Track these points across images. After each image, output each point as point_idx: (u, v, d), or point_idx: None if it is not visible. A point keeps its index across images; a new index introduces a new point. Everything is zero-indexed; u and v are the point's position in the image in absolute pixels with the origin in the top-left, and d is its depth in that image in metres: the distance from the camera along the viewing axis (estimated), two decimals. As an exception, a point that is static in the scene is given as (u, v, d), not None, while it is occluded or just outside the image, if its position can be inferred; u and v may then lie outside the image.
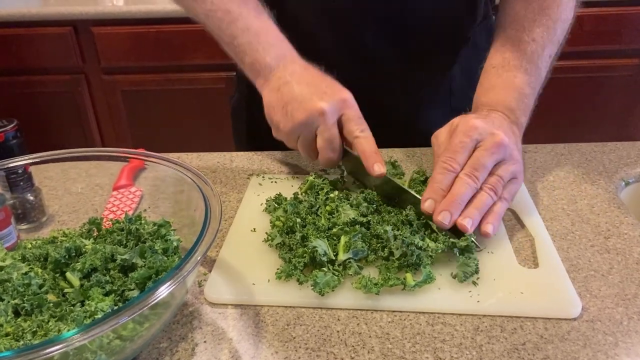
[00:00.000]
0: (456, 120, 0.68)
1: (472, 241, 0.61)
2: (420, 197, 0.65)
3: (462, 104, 0.76)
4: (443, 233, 0.62)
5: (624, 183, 0.79)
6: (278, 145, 0.77)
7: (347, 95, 0.69)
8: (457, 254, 0.59)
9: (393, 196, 0.69)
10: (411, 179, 0.75)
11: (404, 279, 0.56)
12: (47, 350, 0.39)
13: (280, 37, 0.74)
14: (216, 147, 0.95)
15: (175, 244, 0.58)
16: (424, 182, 0.73)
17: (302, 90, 0.68)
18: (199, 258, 0.47)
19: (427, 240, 0.61)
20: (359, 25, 0.84)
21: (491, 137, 0.64)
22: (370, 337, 0.53)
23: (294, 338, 0.53)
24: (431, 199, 0.63)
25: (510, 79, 0.72)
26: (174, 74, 2.02)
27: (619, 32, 1.91)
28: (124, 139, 2.15)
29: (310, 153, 0.72)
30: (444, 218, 0.61)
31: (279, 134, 0.72)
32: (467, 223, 0.61)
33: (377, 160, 0.68)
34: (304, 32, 0.77)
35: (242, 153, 0.90)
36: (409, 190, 0.67)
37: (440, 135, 0.69)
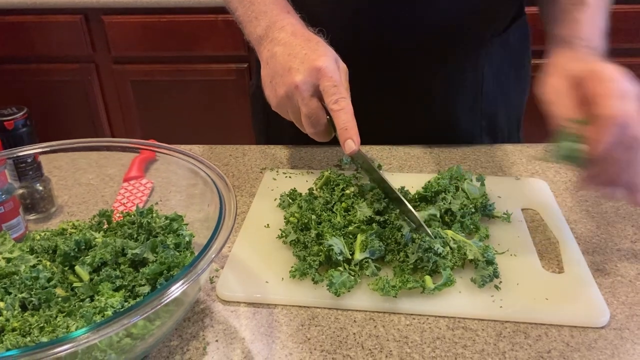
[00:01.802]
0: (560, 69, 0.60)
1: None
2: (411, 208, 0.61)
3: (492, 105, 0.72)
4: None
5: (649, 185, 0.77)
6: (297, 133, 0.75)
7: (322, 62, 0.62)
8: (475, 265, 0.56)
9: (377, 182, 0.65)
10: (417, 192, 0.69)
11: (423, 281, 0.54)
12: (55, 350, 0.37)
13: (274, 0, 0.70)
14: (226, 140, 0.93)
15: (187, 239, 0.57)
16: (430, 200, 0.67)
17: (283, 62, 0.64)
18: (213, 256, 0.46)
19: (450, 246, 0.58)
20: (381, 22, 0.81)
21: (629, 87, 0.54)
22: (388, 340, 0.51)
23: (309, 339, 0.51)
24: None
25: (592, 15, 0.67)
26: (184, 65, 2.00)
27: (635, 31, 1.87)
28: (132, 130, 2.14)
29: (302, 126, 0.67)
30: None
31: (273, 108, 0.68)
32: None
33: (349, 136, 0.59)
34: (321, 25, 0.74)
35: (254, 146, 0.88)
36: (404, 199, 0.62)
37: (559, 84, 0.59)
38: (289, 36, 0.66)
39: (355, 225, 0.60)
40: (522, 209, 0.68)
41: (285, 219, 0.65)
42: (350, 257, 0.57)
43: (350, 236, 0.60)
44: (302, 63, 0.63)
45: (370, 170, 0.66)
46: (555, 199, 0.70)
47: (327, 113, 0.62)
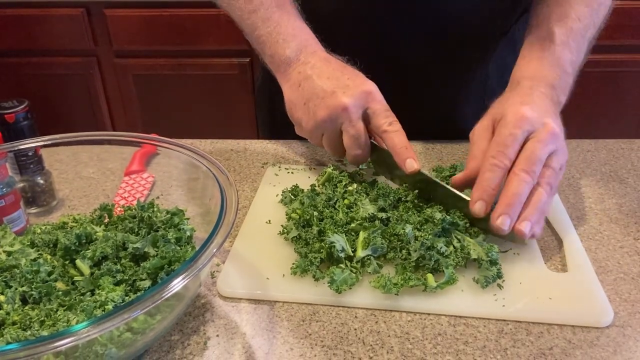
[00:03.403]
0: (496, 110, 0.63)
1: (495, 252, 0.56)
2: (458, 193, 0.61)
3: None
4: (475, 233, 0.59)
5: (653, 182, 0.76)
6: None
7: (371, 87, 0.65)
8: (479, 264, 0.56)
9: (427, 192, 0.65)
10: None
11: (425, 279, 0.54)
12: (56, 344, 0.37)
13: (301, 26, 0.70)
14: (228, 134, 0.92)
15: (188, 233, 0.56)
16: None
17: (323, 85, 0.64)
18: (214, 251, 0.45)
19: (453, 245, 0.57)
20: (390, 21, 0.81)
21: (544, 127, 0.59)
22: (389, 336, 0.51)
23: (310, 335, 0.51)
24: (482, 200, 0.57)
25: (556, 54, 0.67)
26: (186, 59, 1.99)
27: (642, 27, 1.86)
28: (134, 124, 2.14)
29: (337, 150, 0.68)
30: (503, 223, 0.55)
31: (302, 132, 0.69)
32: (525, 227, 0.55)
33: (409, 156, 0.63)
34: (333, 29, 0.73)
35: (256, 141, 0.88)
36: (447, 186, 0.63)
37: (480, 129, 0.63)
38: (322, 61, 0.67)
39: (358, 222, 0.60)
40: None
41: (287, 215, 0.65)
42: (352, 254, 0.57)
43: (353, 233, 0.60)
44: (347, 86, 0.64)
45: (393, 169, 0.66)
46: (558, 196, 0.70)
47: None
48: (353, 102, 0.63)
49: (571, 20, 0.68)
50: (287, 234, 0.61)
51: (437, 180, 0.64)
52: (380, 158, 0.69)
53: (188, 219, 0.59)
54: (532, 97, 0.63)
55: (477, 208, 0.58)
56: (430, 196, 0.65)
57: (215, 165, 0.57)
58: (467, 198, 0.60)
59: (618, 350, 0.49)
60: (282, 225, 0.63)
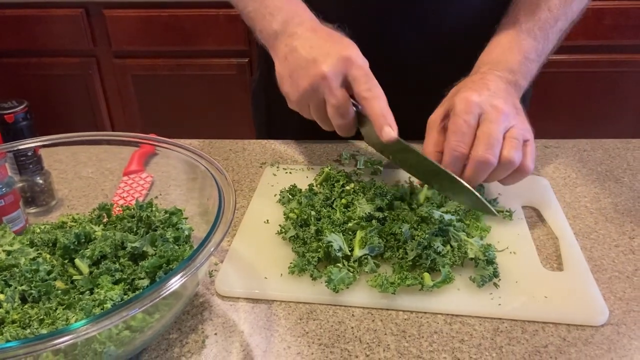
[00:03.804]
0: (449, 101, 0.65)
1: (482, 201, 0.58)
2: (435, 162, 0.61)
3: None
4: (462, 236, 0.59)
5: (648, 182, 0.77)
6: (299, 128, 0.74)
7: (350, 51, 0.62)
8: (475, 263, 0.56)
9: (416, 167, 0.65)
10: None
11: (422, 278, 0.54)
12: (55, 342, 0.37)
13: None
14: (227, 135, 0.93)
15: (186, 232, 0.57)
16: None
17: (306, 55, 0.63)
18: (212, 249, 0.46)
19: (450, 245, 0.58)
20: (388, 21, 0.81)
21: (493, 109, 0.61)
22: (385, 334, 0.51)
23: (307, 333, 0.52)
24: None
25: (519, 41, 0.69)
26: (185, 59, 1.99)
27: (640, 27, 1.86)
28: (133, 124, 2.14)
29: (325, 121, 0.66)
30: (471, 181, 0.60)
31: (292, 105, 0.68)
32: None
33: (386, 123, 0.60)
34: (341, 27, 0.73)
35: (254, 141, 0.88)
36: (428, 158, 0.62)
37: (434, 120, 0.66)
38: (309, 31, 0.65)
39: (355, 221, 0.61)
40: (523, 206, 0.68)
41: (284, 214, 0.65)
42: (349, 253, 0.57)
43: (350, 232, 0.60)
44: (328, 54, 0.62)
45: (407, 150, 0.63)
46: (554, 195, 0.70)
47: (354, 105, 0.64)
48: (331, 69, 0.61)
49: (540, 10, 0.70)
50: (285, 234, 0.61)
51: (416, 149, 0.62)
52: (369, 129, 0.65)
53: (186, 218, 0.60)
54: (484, 81, 0.65)
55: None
56: (409, 164, 0.65)
57: (213, 165, 0.57)
58: (440, 166, 0.61)
59: (612, 348, 0.49)
60: (280, 225, 0.63)
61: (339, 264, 0.56)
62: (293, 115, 0.70)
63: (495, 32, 0.73)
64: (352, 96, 0.64)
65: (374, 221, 0.60)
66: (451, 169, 0.61)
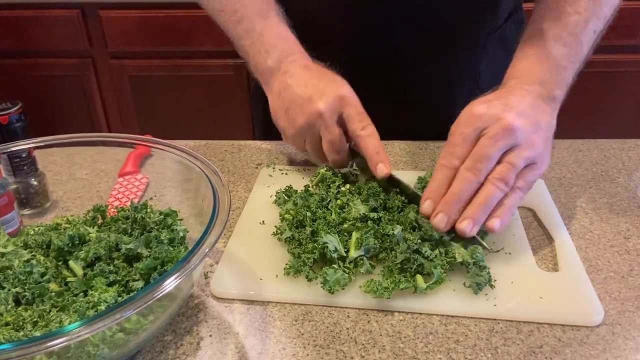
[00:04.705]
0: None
1: (479, 244, 0.56)
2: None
3: None
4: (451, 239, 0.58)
5: (643, 182, 0.77)
6: None
7: (344, 91, 0.65)
8: (466, 268, 0.56)
9: (401, 195, 0.65)
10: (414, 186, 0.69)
11: (415, 281, 0.54)
12: (49, 344, 0.37)
13: (284, 35, 0.71)
14: (224, 136, 0.93)
15: (181, 234, 0.57)
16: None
17: (300, 93, 0.66)
18: (206, 250, 0.46)
19: (439, 250, 0.57)
20: (378, 18, 0.81)
21: (497, 122, 0.57)
22: (381, 335, 0.51)
23: (302, 334, 0.51)
24: (429, 199, 0.58)
25: (547, 49, 0.65)
26: (182, 60, 1.99)
27: (634, 27, 1.87)
28: (130, 125, 2.14)
29: (320, 155, 0.69)
30: (440, 221, 0.56)
31: (287, 139, 0.71)
32: (466, 226, 0.55)
33: (380, 160, 0.64)
34: (321, 24, 0.74)
35: (250, 142, 0.88)
36: (416, 191, 0.63)
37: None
38: (302, 69, 0.68)
39: (350, 222, 0.60)
40: (518, 207, 0.68)
41: (280, 215, 0.65)
42: (345, 254, 0.57)
43: (345, 234, 0.60)
44: (323, 92, 0.65)
45: (398, 184, 0.66)
46: (550, 195, 0.70)
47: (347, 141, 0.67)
48: (327, 107, 0.64)
49: (567, 15, 0.66)
50: (281, 235, 0.61)
51: (407, 183, 0.65)
52: (362, 162, 0.70)
53: (181, 219, 0.59)
54: (506, 94, 0.61)
55: (425, 207, 0.59)
56: (405, 201, 0.65)
57: (208, 166, 0.57)
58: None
59: (607, 349, 0.49)
60: (275, 226, 0.63)
61: (334, 265, 0.56)
62: None
63: (521, 41, 0.70)
64: (345, 133, 0.67)
65: (369, 222, 0.60)
66: (433, 183, 0.59)
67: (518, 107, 0.59)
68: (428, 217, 0.59)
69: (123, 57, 2.01)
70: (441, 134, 0.85)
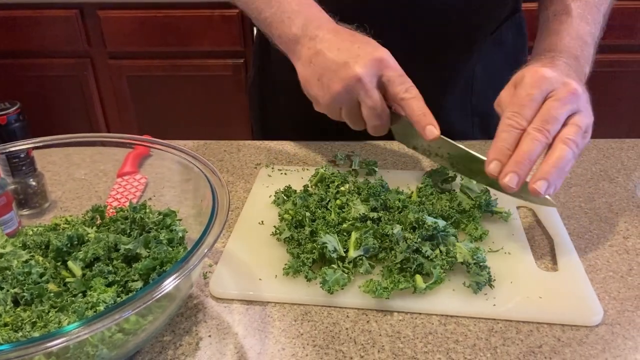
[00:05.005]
0: (520, 72, 0.61)
1: (549, 203, 0.58)
2: (478, 155, 0.60)
3: (485, 103, 0.72)
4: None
5: (642, 181, 0.77)
6: (294, 127, 0.73)
7: (383, 53, 0.62)
8: (467, 268, 0.56)
9: (449, 159, 0.64)
10: (417, 187, 0.69)
11: (414, 281, 0.54)
12: (47, 344, 0.37)
13: (305, 0, 0.68)
14: (223, 135, 0.93)
15: (180, 234, 0.57)
16: (433, 188, 0.69)
17: (334, 57, 0.62)
18: (205, 251, 0.46)
19: (439, 249, 0.57)
20: (371, 19, 0.81)
21: (564, 86, 0.57)
22: (380, 335, 0.51)
23: (302, 334, 0.51)
24: (496, 160, 0.57)
25: (574, 26, 0.67)
26: (180, 60, 1.99)
27: (633, 27, 1.87)
28: (128, 125, 2.14)
29: (358, 122, 0.66)
30: (510, 181, 0.55)
31: (320, 108, 0.67)
32: (540, 187, 0.54)
33: (428, 122, 0.61)
34: (361, 27, 0.73)
35: (249, 142, 0.88)
36: (467, 149, 0.61)
37: (504, 96, 0.62)
38: (331, 33, 0.64)
39: (350, 222, 0.60)
40: (518, 207, 0.68)
41: (279, 215, 0.65)
42: (344, 254, 0.57)
43: (345, 233, 0.60)
44: (358, 55, 0.61)
45: (415, 138, 0.65)
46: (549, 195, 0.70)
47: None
48: (366, 71, 0.61)
49: None
50: (280, 235, 0.61)
51: (458, 144, 0.62)
52: (401, 127, 0.67)
53: (180, 220, 0.59)
54: (554, 62, 0.62)
55: (492, 168, 0.57)
56: (453, 162, 0.64)
57: (207, 166, 0.57)
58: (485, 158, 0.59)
59: (607, 348, 0.49)
60: (274, 226, 0.63)
61: (333, 265, 0.56)
62: (287, 112, 0.70)
63: (542, 17, 0.70)
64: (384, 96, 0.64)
65: (368, 222, 0.60)
66: (499, 143, 0.57)
67: (572, 76, 0.60)
68: (495, 178, 0.57)
69: (122, 57, 2.01)
70: None
